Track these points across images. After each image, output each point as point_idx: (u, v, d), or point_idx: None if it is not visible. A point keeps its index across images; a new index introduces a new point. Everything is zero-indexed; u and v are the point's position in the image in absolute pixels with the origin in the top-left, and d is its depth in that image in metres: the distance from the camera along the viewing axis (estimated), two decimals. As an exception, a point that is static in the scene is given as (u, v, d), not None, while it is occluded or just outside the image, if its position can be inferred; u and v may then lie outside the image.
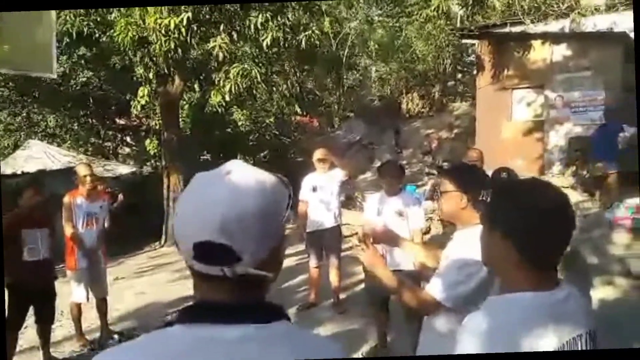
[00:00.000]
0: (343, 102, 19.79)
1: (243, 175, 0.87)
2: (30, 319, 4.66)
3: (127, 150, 16.49)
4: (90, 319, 5.46)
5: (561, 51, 11.12)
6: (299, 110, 16.97)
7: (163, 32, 7.97)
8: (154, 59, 9.29)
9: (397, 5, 18.29)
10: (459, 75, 19.17)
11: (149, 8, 7.92)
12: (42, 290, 4.53)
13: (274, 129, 16.35)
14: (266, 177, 0.89)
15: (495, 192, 1.56)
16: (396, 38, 17.64)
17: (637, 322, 4.26)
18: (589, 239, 6.30)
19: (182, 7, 7.82)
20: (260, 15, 8.35)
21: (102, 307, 5.27)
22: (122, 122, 16.05)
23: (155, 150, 12.89)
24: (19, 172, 9.92)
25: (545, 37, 11.29)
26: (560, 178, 10.01)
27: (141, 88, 9.68)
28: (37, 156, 11.11)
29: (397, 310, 4.22)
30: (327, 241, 5.69)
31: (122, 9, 8.52)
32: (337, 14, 15.59)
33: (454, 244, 2.16)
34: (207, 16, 8.93)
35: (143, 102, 9.69)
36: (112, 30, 8.87)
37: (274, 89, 13.26)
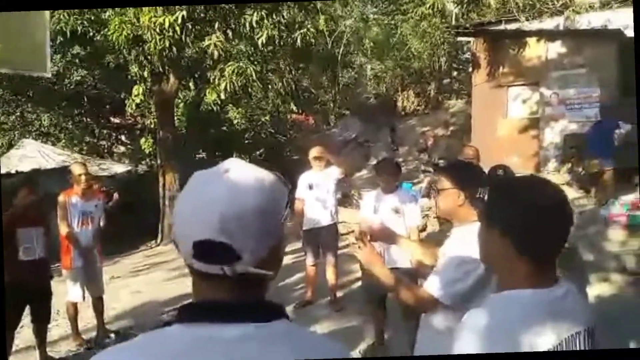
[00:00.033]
0: (338, 100, 19.80)
1: (242, 173, 0.87)
2: (26, 319, 4.64)
3: (122, 149, 16.44)
4: (87, 318, 5.44)
5: (556, 48, 11.15)
6: (294, 108, 16.94)
7: (158, 30, 7.94)
8: (149, 57, 9.26)
9: (392, 3, 18.29)
10: (455, 73, 19.20)
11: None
12: (38, 289, 4.51)
13: (269, 127, 16.34)
14: (265, 175, 0.89)
15: (493, 189, 1.56)
16: (391, 36, 17.64)
17: (633, 318, 4.29)
18: (585, 236, 6.33)
19: (177, 6, 7.79)
20: (255, 14, 8.33)
21: (98, 306, 5.25)
22: (117, 120, 16.00)
23: (151, 149, 12.86)
24: (13, 172, 9.86)
25: (540, 34, 11.32)
26: (555, 175, 10.05)
27: (136, 87, 9.65)
28: (31, 155, 11.07)
29: (394, 307, 4.22)
30: (323, 239, 5.69)
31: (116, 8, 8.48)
32: (333, 12, 15.58)
33: (451, 242, 2.16)
34: (202, 14, 8.90)
35: (138, 100, 9.67)
36: (106, 29, 8.82)
37: (270, 87, 13.21)
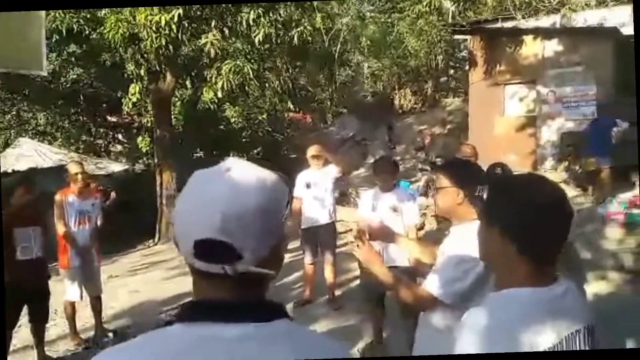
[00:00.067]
0: (336, 98, 19.80)
1: (243, 172, 0.86)
2: (24, 318, 4.63)
3: (119, 147, 16.40)
4: (85, 318, 5.43)
5: (552, 46, 11.17)
6: (291, 106, 16.93)
7: (154, 28, 7.91)
8: (145, 55, 9.23)
9: (389, 1, 18.30)
10: (452, 71, 19.23)
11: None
12: (35, 289, 4.49)
13: (266, 125, 16.32)
14: (266, 175, 0.89)
15: (493, 187, 1.56)
16: (388, 34, 17.65)
17: (631, 316, 4.29)
18: (582, 234, 6.34)
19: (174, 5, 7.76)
20: (252, 12, 8.31)
21: (96, 305, 5.24)
22: (113, 119, 15.95)
23: (148, 148, 12.83)
24: (9, 171, 9.82)
25: (537, 32, 11.35)
26: (552, 173, 10.08)
27: (132, 85, 9.62)
28: (27, 154, 11.03)
29: (392, 306, 4.22)
30: (321, 238, 5.69)
31: (112, 6, 8.45)
32: (329, 9, 15.54)
33: (450, 240, 2.15)
34: (198, 12, 8.87)
35: (134, 99, 9.64)
36: (102, 27, 8.80)
37: (267, 85, 13.21)
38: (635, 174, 7.88)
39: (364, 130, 17.00)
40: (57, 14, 8.66)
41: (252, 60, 9.54)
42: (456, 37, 13.95)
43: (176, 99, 13.07)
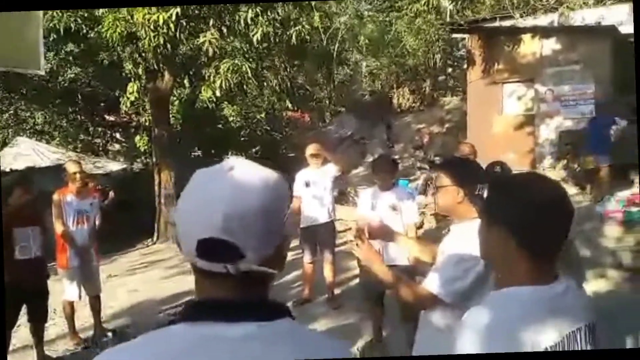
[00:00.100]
0: (334, 97, 19.77)
1: (245, 171, 0.86)
2: (23, 318, 4.62)
3: (117, 146, 16.36)
4: (84, 317, 5.43)
5: (550, 45, 11.18)
6: (290, 105, 16.90)
7: (152, 27, 7.89)
8: (143, 54, 9.21)
9: (387, 0, 18.26)
10: (450, 70, 19.20)
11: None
12: (35, 288, 4.49)
13: (265, 124, 16.30)
14: (269, 174, 0.89)
15: (493, 186, 1.56)
16: (386, 33, 17.61)
17: (630, 314, 4.30)
18: (581, 232, 6.35)
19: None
20: (250, 11, 8.30)
21: (95, 305, 5.23)
22: (111, 118, 15.91)
23: (146, 147, 12.80)
24: (7, 170, 9.80)
25: (535, 31, 11.35)
26: (551, 172, 10.08)
27: (130, 84, 9.60)
28: (25, 153, 11.01)
29: (392, 305, 4.23)
30: (321, 237, 5.69)
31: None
32: (327, 8, 15.51)
33: (450, 239, 2.16)
34: (196, 11, 8.85)
35: (132, 98, 9.62)
36: (100, 26, 8.77)
37: (265, 84, 13.18)
38: (634, 172, 7.90)
39: (362, 129, 16.98)
40: (54, 13, 8.64)
41: (250, 59, 9.52)
42: (454, 35, 13.94)
43: (174, 98, 13.05)
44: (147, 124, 13.18)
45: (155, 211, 10.68)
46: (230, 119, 15.00)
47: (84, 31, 9.51)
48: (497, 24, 12.07)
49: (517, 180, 1.50)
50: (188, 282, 6.41)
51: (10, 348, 4.53)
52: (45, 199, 5.03)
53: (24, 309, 4.53)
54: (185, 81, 12.93)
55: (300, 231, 5.73)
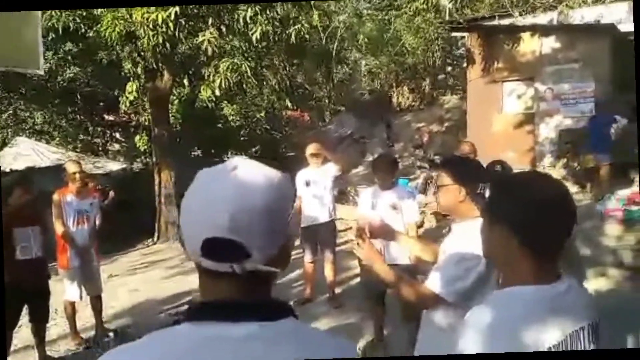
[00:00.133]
0: (333, 96, 19.76)
1: (249, 171, 0.86)
2: (24, 318, 4.63)
3: (117, 146, 16.37)
4: (85, 317, 5.43)
5: (550, 43, 11.17)
6: (289, 104, 16.91)
7: (151, 26, 7.89)
8: (142, 53, 9.20)
9: (385, -2, 18.26)
10: (449, 69, 19.17)
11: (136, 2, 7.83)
12: (36, 288, 4.49)
13: (264, 123, 16.30)
14: (273, 173, 0.89)
15: (495, 184, 1.55)
16: (385, 31, 17.59)
17: (630, 313, 4.30)
18: (581, 231, 6.35)
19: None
20: (249, 9, 8.28)
21: (96, 305, 5.23)
22: (111, 118, 15.91)
23: (145, 146, 12.80)
24: (7, 170, 9.79)
25: (534, 29, 11.34)
26: (551, 170, 10.08)
27: (129, 83, 9.59)
28: (25, 153, 11.01)
29: (393, 304, 4.22)
30: (321, 236, 5.69)
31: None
32: (326, 7, 15.50)
33: (451, 238, 2.15)
34: (195, 10, 8.84)
35: (132, 97, 9.61)
36: (98, 25, 8.75)
37: (264, 83, 13.20)
38: (634, 171, 7.90)
39: (362, 128, 16.96)
40: (53, 12, 8.62)
41: (250, 58, 9.52)
42: (453, 34, 13.92)
43: (174, 97, 13.04)
44: (146, 123, 13.18)
45: (156, 211, 10.67)
46: (230, 118, 15.00)
47: (83, 30, 9.49)
48: (496, 22, 12.05)
49: (519, 178, 1.50)
50: (189, 282, 6.44)
51: (12, 348, 4.53)
52: (45, 199, 5.03)
53: (25, 309, 4.53)
54: (185, 80, 12.92)
55: (301, 231, 5.72)
